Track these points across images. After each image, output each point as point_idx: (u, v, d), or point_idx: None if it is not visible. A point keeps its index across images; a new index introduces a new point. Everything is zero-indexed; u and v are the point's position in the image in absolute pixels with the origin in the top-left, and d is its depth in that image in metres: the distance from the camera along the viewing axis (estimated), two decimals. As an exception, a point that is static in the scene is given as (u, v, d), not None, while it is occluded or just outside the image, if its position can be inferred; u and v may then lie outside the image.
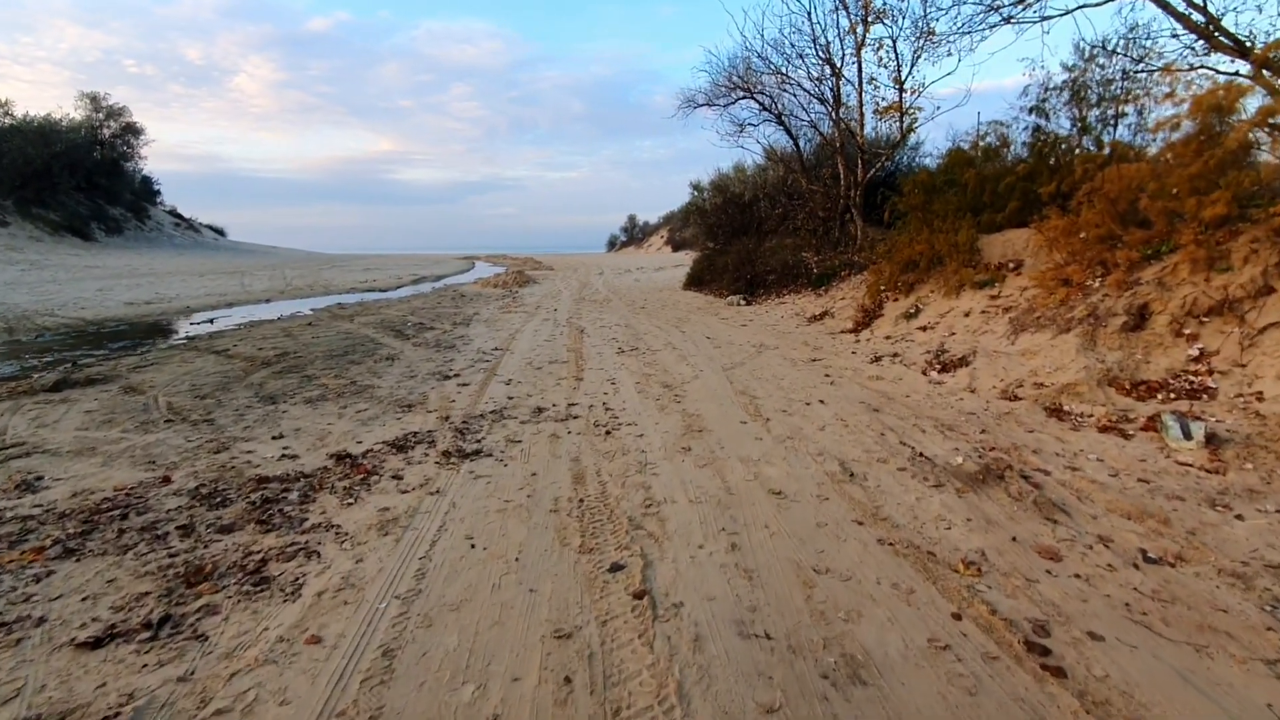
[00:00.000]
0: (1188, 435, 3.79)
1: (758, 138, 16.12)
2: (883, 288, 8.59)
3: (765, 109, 14.24)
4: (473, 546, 2.60)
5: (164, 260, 23.37)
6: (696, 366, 6.34)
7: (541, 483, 3.31)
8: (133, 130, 30.50)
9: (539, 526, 2.78)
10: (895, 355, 6.26)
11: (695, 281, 15.63)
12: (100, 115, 28.94)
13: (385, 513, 2.94)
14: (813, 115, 12.97)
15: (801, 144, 14.52)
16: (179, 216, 42.70)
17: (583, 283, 19.60)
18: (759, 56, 13.56)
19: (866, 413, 4.57)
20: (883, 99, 11.99)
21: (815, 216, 13.24)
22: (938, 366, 5.66)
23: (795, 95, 13.33)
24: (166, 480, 3.41)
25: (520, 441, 4.03)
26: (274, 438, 4.24)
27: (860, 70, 12.06)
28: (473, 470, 3.51)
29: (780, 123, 14.16)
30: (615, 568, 2.38)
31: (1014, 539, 2.65)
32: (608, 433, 4.18)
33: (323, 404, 5.15)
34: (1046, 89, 8.46)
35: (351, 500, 3.10)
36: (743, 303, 11.82)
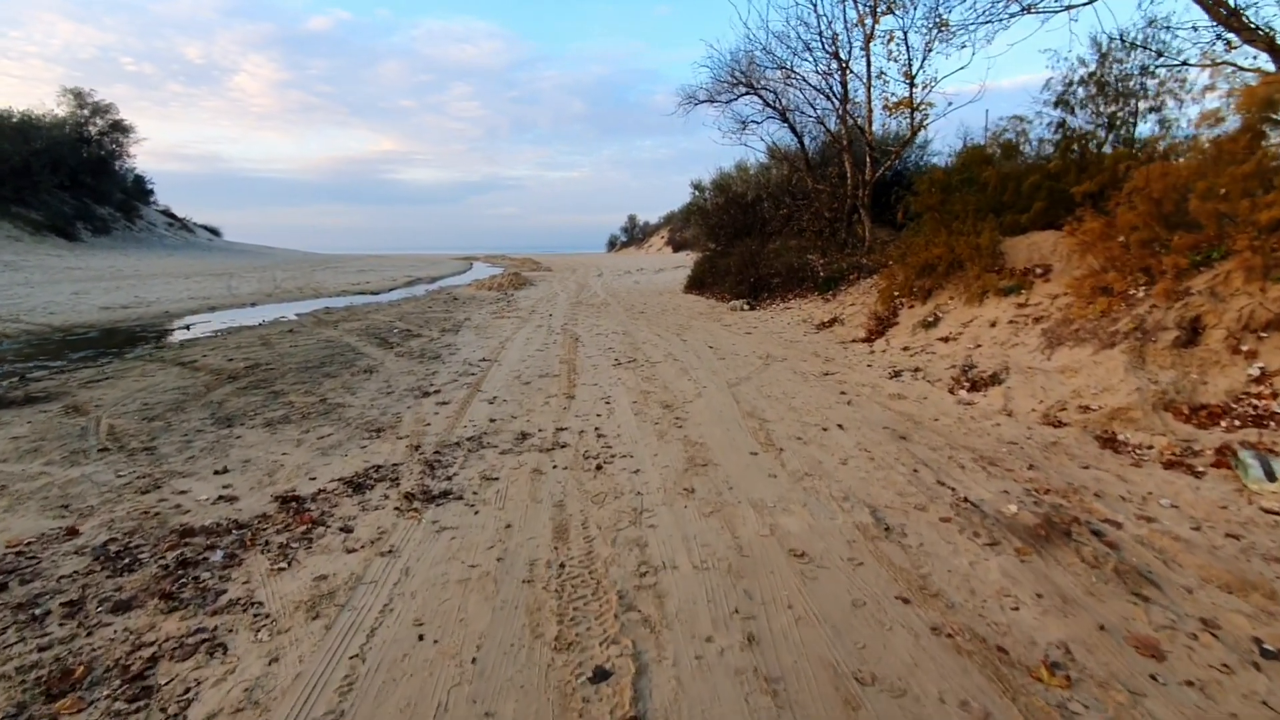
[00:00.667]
0: (1271, 476, 3.26)
1: (761, 135, 15.53)
2: (896, 293, 8.06)
3: (769, 105, 13.71)
4: (421, 638, 2.07)
5: (151, 261, 22.82)
6: (699, 382, 5.81)
7: (516, 539, 2.77)
8: (120, 128, 29.90)
9: (507, 606, 2.24)
10: (917, 370, 5.73)
11: (697, 284, 15.10)
12: (85, 112, 28.35)
13: (321, 583, 2.40)
14: (819, 111, 12.43)
15: (806, 142, 13.98)
16: (172, 216, 42.16)
17: (580, 285, 19.07)
18: (763, 50, 13.00)
19: (892, 441, 4.03)
20: (892, 94, 11.48)
21: (821, 217, 12.70)
22: (966, 384, 5.13)
23: (801, 91, 12.81)
24: (73, 533, 2.87)
25: (497, 479, 3.49)
26: (217, 472, 3.70)
27: (869, 64, 11.54)
28: (437, 520, 2.98)
29: (784, 119, 13.63)
30: (599, 675, 1.85)
31: (1101, 627, 2.11)
32: (599, 467, 3.64)
33: (284, 428, 4.61)
34: (1071, 82, 7.93)
35: (284, 564, 2.57)
36: (746, 308, 11.29)
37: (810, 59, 12.46)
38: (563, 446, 4.05)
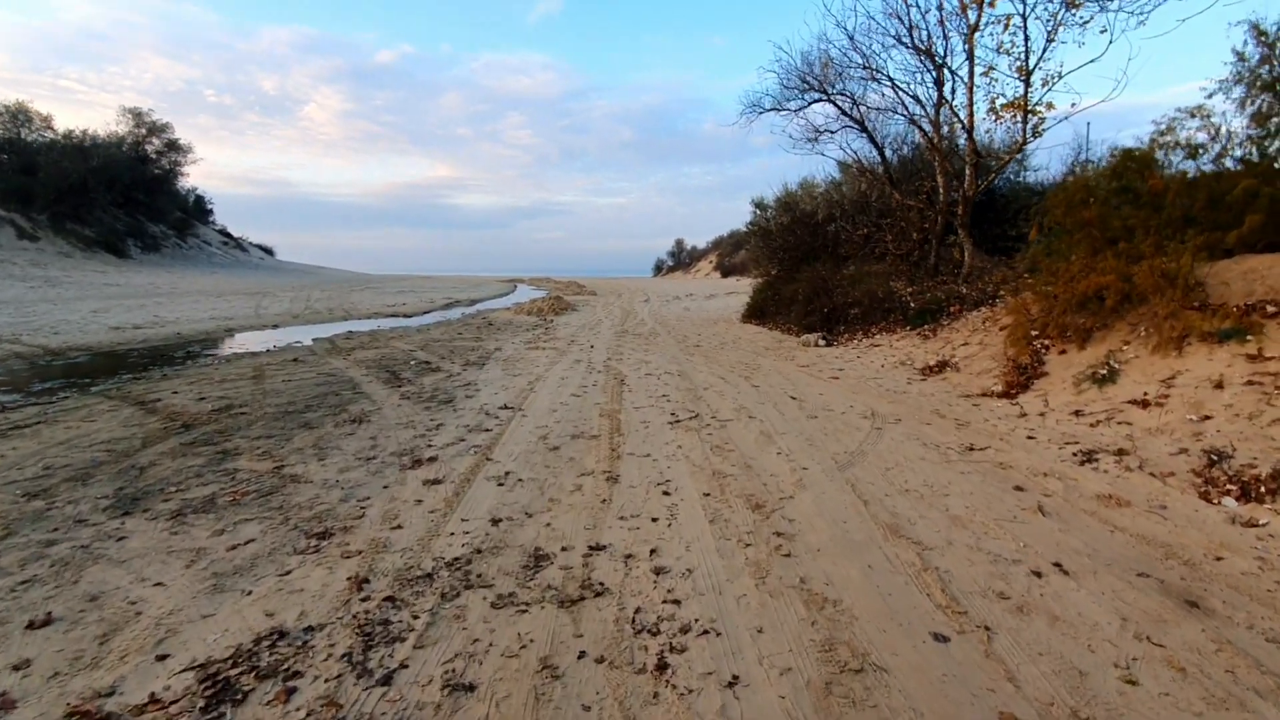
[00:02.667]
0: None
1: (841, 144, 13.79)
2: (1034, 333, 6.22)
3: (844, 113, 12.06)
4: None
5: (192, 279, 22.51)
6: (793, 457, 4.13)
7: None
8: (176, 147, 30.34)
9: None
10: (1121, 453, 3.90)
11: (757, 313, 13.40)
12: (142, 131, 28.81)
13: None
14: (909, 115, 10.70)
15: (887, 154, 12.25)
16: (227, 235, 42.98)
17: (626, 311, 17.59)
18: (842, 49, 11.38)
19: (1176, 610, 2.28)
20: (1001, 95, 9.67)
21: (908, 238, 10.89)
22: (1228, 486, 3.29)
23: (883, 94, 11.14)
24: None
25: (473, 687, 1.90)
26: (33, 625, 2.24)
27: (972, 60, 9.79)
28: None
29: (863, 128, 11.94)
30: None
31: None
32: (661, 665, 2.01)
33: (195, 523, 3.15)
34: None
35: None
36: (822, 343, 9.54)
37: (898, 57, 10.75)
38: (598, 594, 2.43)
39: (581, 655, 2.04)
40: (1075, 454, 4.01)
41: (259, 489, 3.66)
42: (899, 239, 10.79)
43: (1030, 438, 4.45)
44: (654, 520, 3.12)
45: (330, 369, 7.85)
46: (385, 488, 3.67)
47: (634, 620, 2.24)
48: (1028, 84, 9.26)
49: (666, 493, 3.50)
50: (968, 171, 10.17)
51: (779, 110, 12.81)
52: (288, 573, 2.62)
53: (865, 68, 10.82)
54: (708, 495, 3.44)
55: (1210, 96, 7.26)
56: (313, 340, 10.97)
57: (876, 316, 10.02)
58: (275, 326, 13.34)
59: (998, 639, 2.12)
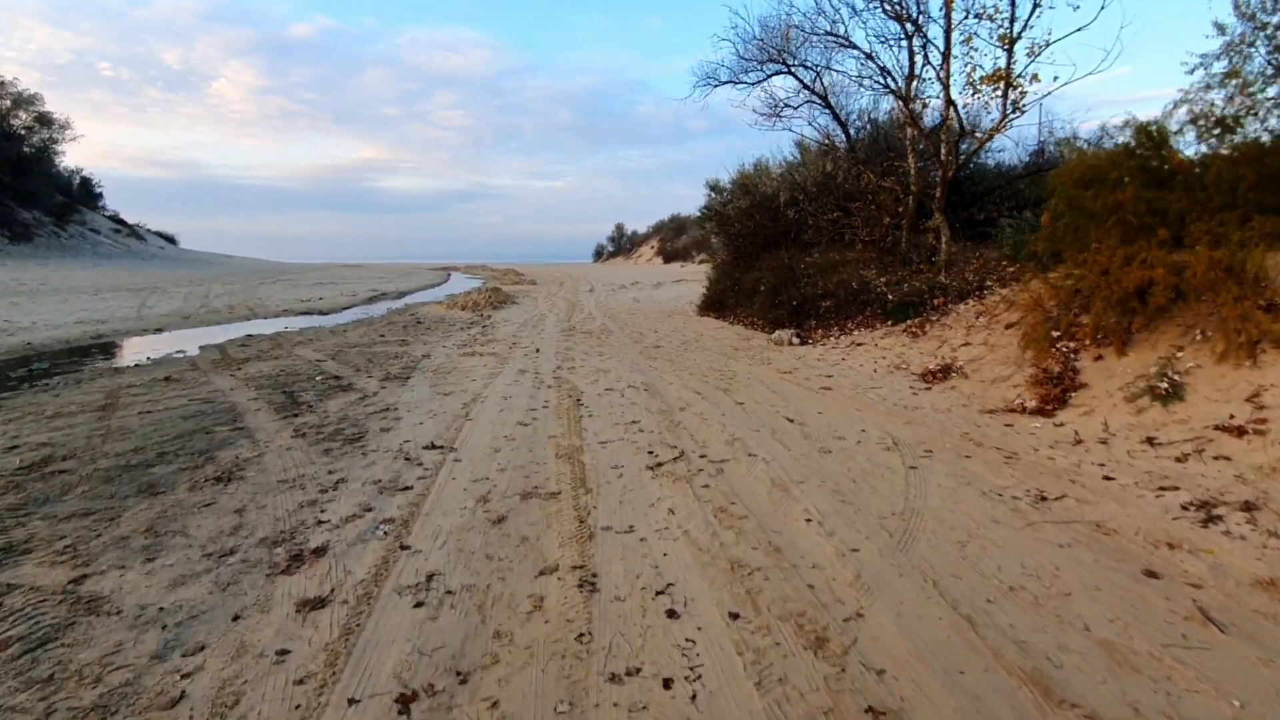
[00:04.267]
0: None
1: (808, 120, 12.77)
2: (1055, 333, 5.40)
3: (806, 86, 11.09)
4: None
5: (67, 273, 19.59)
6: (828, 523, 3.06)
7: None
8: (47, 121, 26.49)
9: None
10: (1249, 507, 3.00)
11: (715, 305, 12.38)
12: (5, 103, 24.92)
13: None
14: (883, 87, 9.80)
15: (852, 132, 11.39)
16: (120, 222, 38.75)
17: (571, 304, 16.26)
18: (802, 14, 10.36)
19: None
20: (978, 67, 8.88)
21: (879, 223, 10.06)
22: None
23: (848, 66, 10.21)
24: None
25: None
26: None
27: (949, 27, 8.95)
28: None
29: (826, 104, 11.02)
30: None
31: None
32: None
33: None
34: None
35: None
36: (796, 341, 8.58)
37: (870, 22, 9.84)
38: None
39: None
40: (1185, 507, 3.10)
41: (25, 636, 2.28)
42: (869, 224, 9.94)
43: (1109, 478, 3.54)
44: (666, 686, 1.96)
45: (209, 391, 6.28)
46: (235, 620, 2.36)
47: None
48: (1010, 53, 8.49)
49: (672, 613, 2.34)
50: (944, 152, 9.39)
51: (735, 84, 11.74)
52: None
53: (831, 35, 9.84)
54: (736, 618, 2.30)
55: (1192, 72, 6.65)
56: (199, 349, 9.19)
57: (851, 310, 9.15)
58: (158, 331, 11.35)
59: None
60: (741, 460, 4.02)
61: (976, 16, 8.62)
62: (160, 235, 42.82)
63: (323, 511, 3.33)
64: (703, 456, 4.10)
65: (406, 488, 3.67)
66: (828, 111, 11.09)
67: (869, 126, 11.45)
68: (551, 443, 4.47)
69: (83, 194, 38.39)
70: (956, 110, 8.71)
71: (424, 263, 66.25)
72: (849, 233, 10.59)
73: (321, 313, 14.87)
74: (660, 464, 3.96)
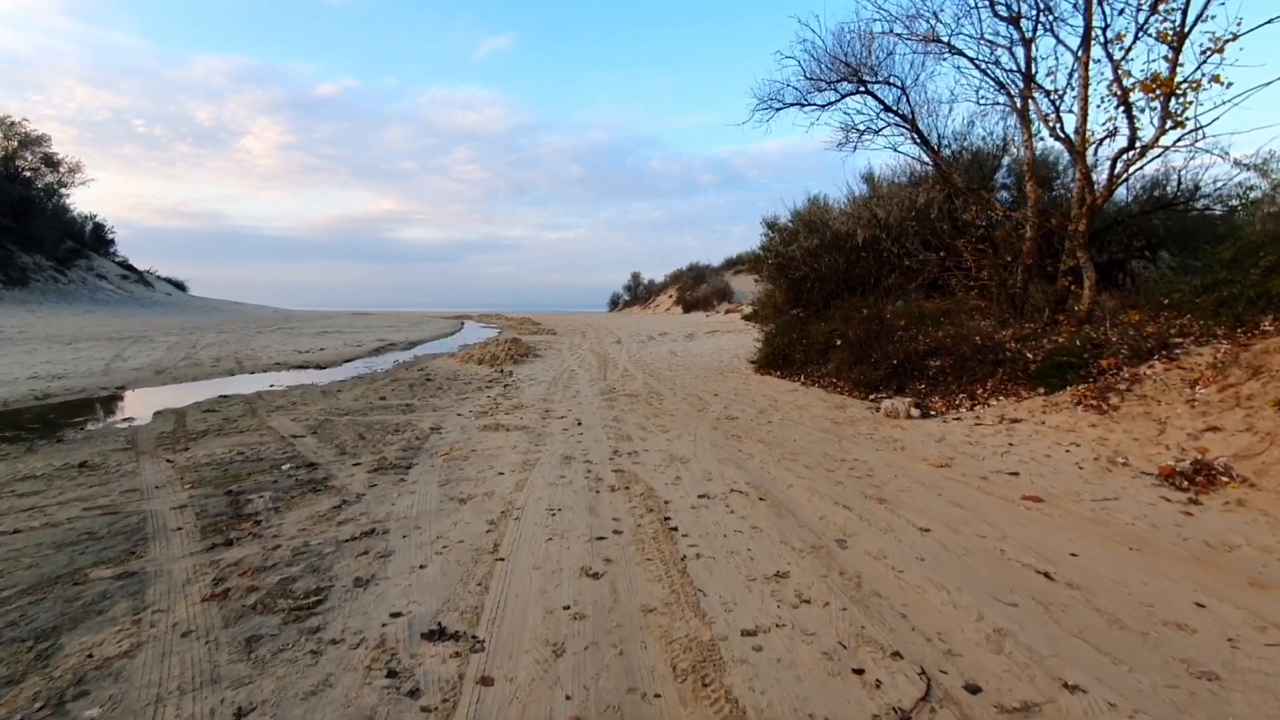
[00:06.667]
0: None
1: (895, 146, 11.01)
2: None
3: (889, 108, 9.45)
4: None
5: (51, 320, 18.07)
6: None
7: None
8: (53, 163, 25.61)
9: None
10: None
11: (778, 362, 10.43)
12: (12, 144, 24.05)
13: None
14: (985, 103, 8.10)
15: (946, 156, 9.67)
16: (129, 268, 37.84)
17: (601, 357, 14.38)
18: (894, 17, 8.75)
19: None
20: (1129, 74, 7.14)
21: (997, 265, 8.18)
22: None
23: (941, 84, 8.52)
24: None
25: None
26: None
27: (1089, 23, 7.27)
28: None
29: (913, 127, 9.34)
30: None
31: None
32: None
33: None
34: None
35: None
36: (916, 412, 6.59)
37: (965, 29, 8.24)
38: None
39: None
40: None
41: None
42: (993, 266, 8.05)
43: None
44: None
45: (125, 491, 4.37)
46: None
47: None
48: (1178, 51, 6.75)
49: None
50: (1079, 179, 7.58)
51: (803, 106, 10.13)
52: None
53: (933, 39, 8.20)
54: None
55: None
56: (154, 415, 7.33)
57: (976, 371, 7.18)
58: (121, 388, 9.54)
59: None
60: (1063, 703, 2.00)
61: (1135, 7, 6.92)
62: (170, 281, 41.93)
63: None
64: (972, 689, 2.08)
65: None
66: (914, 135, 9.40)
67: (963, 152, 9.72)
68: (655, 629, 2.47)
69: (94, 240, 37.74)
70: (1131, 113, 6.90)
71: (437, 311, 65.25)
72: (954, 276, 8.71)
73: (319, 366, 13.07)
74: (906, 717, 1.94)
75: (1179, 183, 9.16)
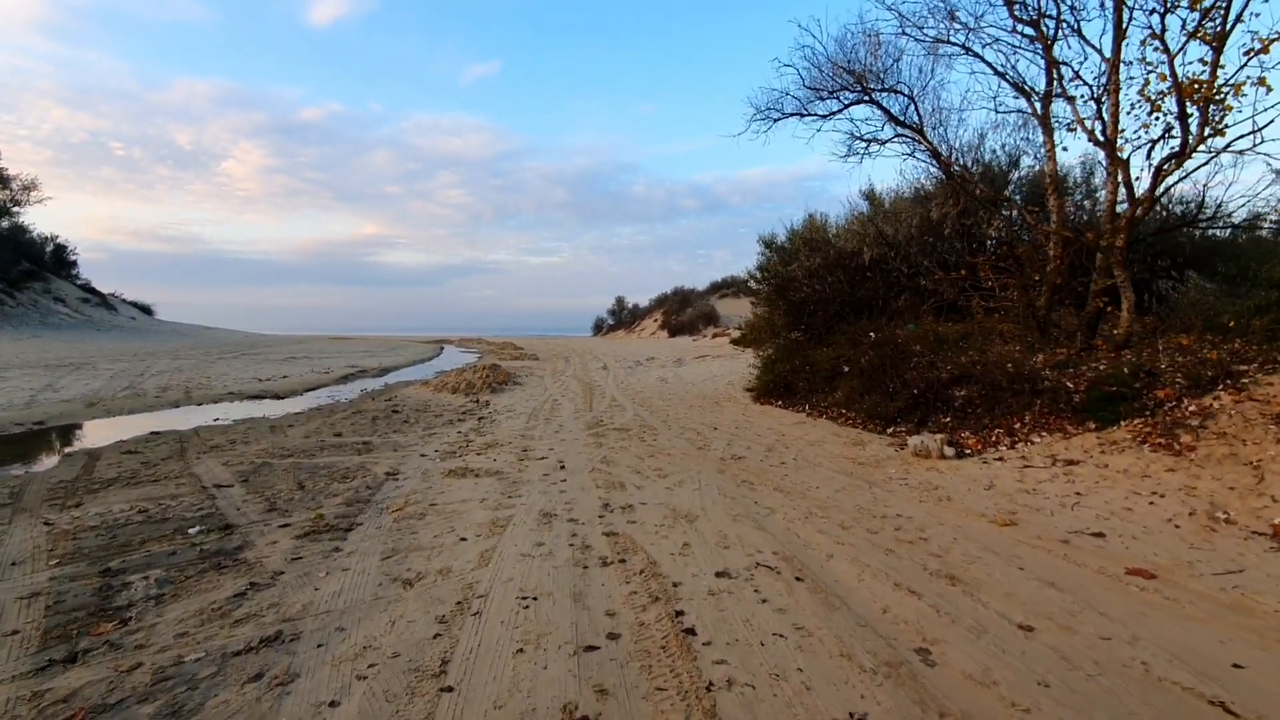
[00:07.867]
0: None
1: (910, 154, 10.34)
2: None
3: (895, 119, 8.80)
4: None
5: (-10, 346, 16.72)
6: None
7: None
8: (3, 180, 24.27)
9: None
10: None
11: (780, 389, 9.58)
12: (-43, 161, 22.73)
13: None
14: (1004, 110, 7.46)
15: (956, 169, 9.01)
16: (92, 291, 36.36)
17: (586, 385, 13.44)
18: (904, 18, 8.12)
19: None
20: (1164, 75, 6.52)
21: (1024, 285, 7.45)
22: None
23: (953, 90, 7.89)
24: None
25: None
26: None
27: (1120, 21, 6.68)
28: None
29: (922, 137, 8.69)
30: None
31: None
32: None
33: None
34: None
35: None
36: (950, 451, 5.74)
37: (983, 30, 7.62)
38: None
39: None
40: None
41: None
42: (1019, 285, 7.31)
43: None
44: None
45: (-35, 570, 3.32)
46: None
47: None
48: (1219, 52, 6.14)
49: None
50: (1120, 187, 6.92)
51: (803, 116, 9.46)
52: None
53: (942, 42, 7.57)
54: None
55: None
56: (61, 458, 6.25)
57: (1010, 402, 6.38)
58: (40, 424, 8.40)
59: None
60: None
61: (1164, 6, 6.33)
62: (135, 305, 40.37)
63: None
64: None
65: None
66: (925, 147, 8.75)
67: (974, 164, 9.08)
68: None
69: (55, 262, 36.27)
70: (1185, 117, 6.23)
71: (418, 335, 63.74)
72: (973, 298, 7.97)
73: (277, 396, 11.96)
74: None
75: (1202, 199, 8.57)
